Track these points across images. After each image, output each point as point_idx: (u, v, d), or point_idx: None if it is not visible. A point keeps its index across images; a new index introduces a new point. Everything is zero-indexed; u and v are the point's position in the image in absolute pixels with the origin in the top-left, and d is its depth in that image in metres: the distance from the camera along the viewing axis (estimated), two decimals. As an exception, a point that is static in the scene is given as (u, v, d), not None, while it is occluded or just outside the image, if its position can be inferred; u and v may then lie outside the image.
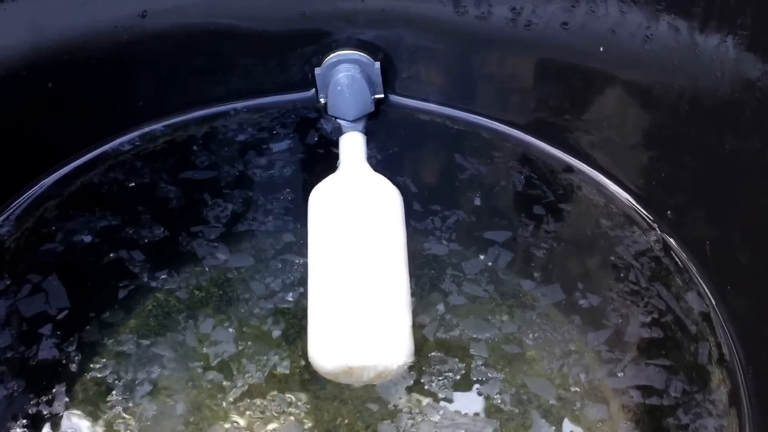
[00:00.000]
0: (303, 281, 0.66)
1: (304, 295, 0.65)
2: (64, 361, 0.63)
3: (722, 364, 0.65)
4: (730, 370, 0.64)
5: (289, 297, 0.68)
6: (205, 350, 0.64)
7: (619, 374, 0.63)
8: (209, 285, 0.69)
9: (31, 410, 0.60)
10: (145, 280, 0.69)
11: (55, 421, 0.60)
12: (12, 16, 0.70)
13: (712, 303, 0.68)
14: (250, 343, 0.65)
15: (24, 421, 0.60)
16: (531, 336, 0.66)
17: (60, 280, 0.69)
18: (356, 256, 0.63)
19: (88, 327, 0.65)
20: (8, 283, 0.68)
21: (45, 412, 0.60)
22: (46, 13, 0.71)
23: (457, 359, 0.64)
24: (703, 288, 0.69)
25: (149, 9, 0.75)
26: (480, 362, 0.64)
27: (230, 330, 0.66)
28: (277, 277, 0.69)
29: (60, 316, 0.66)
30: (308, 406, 0.61)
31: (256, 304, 0.67)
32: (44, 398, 0.61)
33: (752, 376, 0.63)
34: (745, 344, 0.65)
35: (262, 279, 0.69)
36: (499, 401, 0.62)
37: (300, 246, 0.71)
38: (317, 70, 0.80)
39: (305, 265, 0.66)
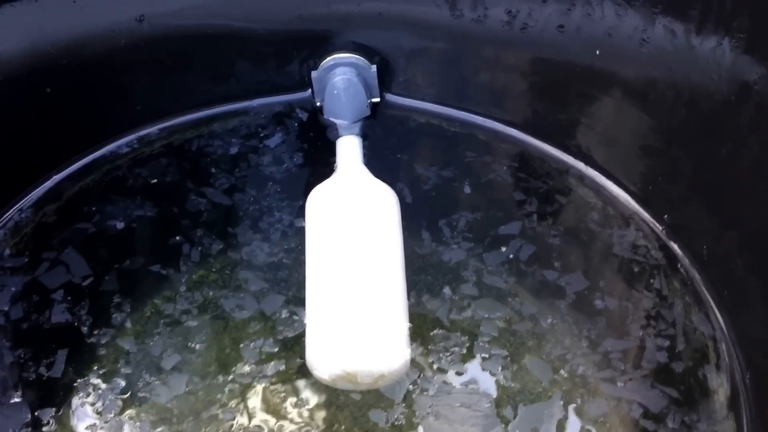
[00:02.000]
0: (301, 285, 0.66)
1: (301, 301, 0.65)
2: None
3: (720, 367, 0.65)
4: (729, 374, 0.64)
5: (288, 301, 0.68)
6: (199, 354, 0.65)
7: (614, 372, 0.64)
8: (206, 290, 0.69)
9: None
10: (147, 281, 0.70)
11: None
12: (10, 20, 0.70)
13: (711, 305, 0.68)
14: (246, 348, 0.65)
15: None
16: (531, 329, 0.67)
17: (62, 283, 0.69)
18: (353, 260, 0.63)
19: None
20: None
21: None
22: (44, 17, 0.71)
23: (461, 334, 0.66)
24: (703, 291, 0.69)
25: (146, 13, 0.75)
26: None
27: (226, 334, 0.66)
28: (275, 282, 0.70)
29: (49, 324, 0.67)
30: (304, 413, 0.61)
31: (253, 308, 0.68)
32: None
33: (751, 381, 0.63)
34: (744, 348, 0.65)
35: (260, 282, 0.70)
36: (501, 378, 0.63)
37: (298, 249, 0.71)
38: (314, 73, 0.80)
39: (303, 270, 0.66)
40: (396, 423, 0.61)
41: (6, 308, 0.67)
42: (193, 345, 0.65)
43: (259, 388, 0.63)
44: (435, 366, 0.64)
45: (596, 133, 0.77)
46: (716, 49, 0.63)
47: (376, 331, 0.60)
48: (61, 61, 0.74)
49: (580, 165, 0.79)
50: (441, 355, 0.65)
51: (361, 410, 0.62)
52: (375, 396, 0.62)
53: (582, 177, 0.78)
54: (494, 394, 0.63)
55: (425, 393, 0.63)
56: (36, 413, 0.62)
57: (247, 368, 0.64)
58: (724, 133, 0.65)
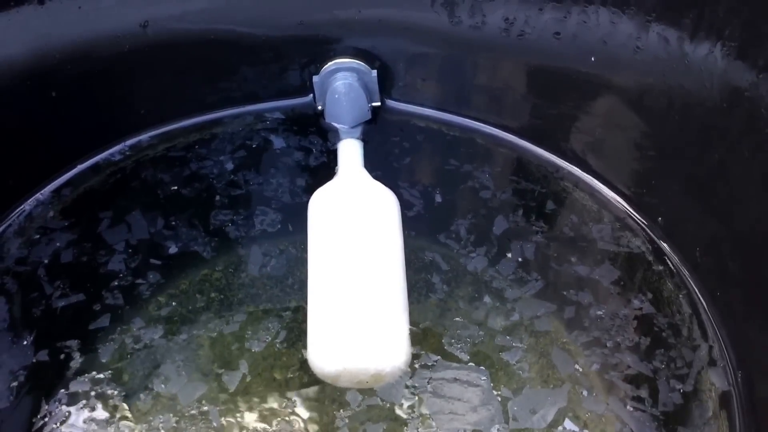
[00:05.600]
0: (304, 285, 0.67)
1: (304, 299, 0.66)
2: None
3: (713, 367, 0.65)
4: (721, 373, 0.65)
5: (290, 300, 0.69)
6: (204, 352, 0.65)
7: (611, 369, 0.65)
8: (210, 289, 0.70)
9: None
10: (150, 283, 0.70)
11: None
12: (16, 26, 0.71)
13: (704, 306, 0.69)
14: (249, 346, 0.66)
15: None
16: (527, 335, 0.67)
17: (69, 285, 0.70)
18: (354, 261, 0.64)
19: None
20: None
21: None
22: (50, 23, 0.72)
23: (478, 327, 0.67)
24: (696, 292, 0.70)
25: (150, 19, 0.76)
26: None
27: (230, 334, 0.66)
28: (277, 282, 0.70)
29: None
30: (308, 408, 0.62)
31: (257, 307, 0.68)
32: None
33: (743, 380, 0.64)
34: (736, 347, 0.66)
35: (263, 283, 0.70)
36: (512, 362, 0.65)
37: (300, 251, 0.72)
38: (315, 78, 0.81)
39: (305, 270, 0.67)
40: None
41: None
42: (193, 346, 0.66)
43: (259, 388, 0.63)
44: (446, 350, 0.65)
45: (591, 137, 0.78)
46: (708, 57, 0.63)
47: (377, 330, 0.61)
48: (66, 66, 0.74)
49: (575, 169, 0.80)
50: (453, 340, 0.66)
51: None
52: (377, 403, 0.63)
53: (577, 181, 0.79)
54: (497, 375, 0.64)
55: (427, 368, 0.64)
56: (38, 356, 0.64)
57: (248, 365, 0.65)
58: (717, 139, 0.66)
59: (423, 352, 0.65)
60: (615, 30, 0.69)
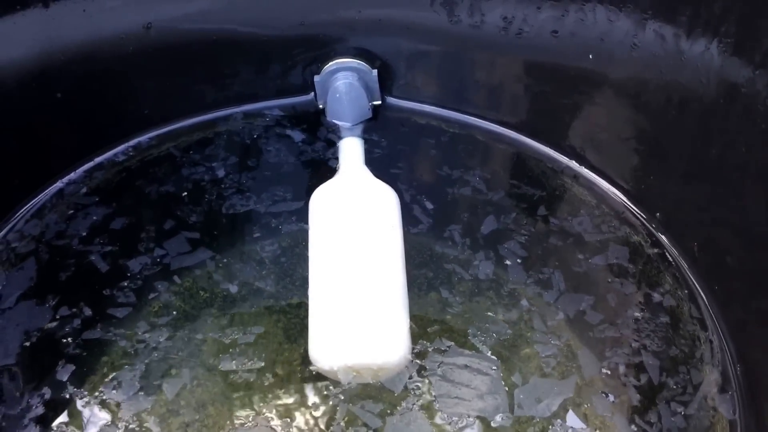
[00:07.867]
0: (305, 281, 0.67)
1: (306, 295, 0.66)
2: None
3: (712, 360, 0.66)
4: (720, 367, 0.65)
5: (292, 296, 0.69)
6: (206, 348, 0.66)
7: (612, 364, 0.65)
8: (213, 286, 0.70)
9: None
10: (152, 282, 0.70)
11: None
12: (22, 28, 0.71)
13: (704, 300, 0.69)
14: (252, 341, 0.66)
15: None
16: (528, 332, 0.67)
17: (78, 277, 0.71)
18: (355, 258, 0.65)
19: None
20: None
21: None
22: (55, 25, 0.73)
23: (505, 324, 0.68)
24: (695, 286, 0.70)
25: (153, 21, 0.76)
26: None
27: (233, 330, 0.67)
28: (280, 278, 0.71)
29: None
30: (309, 403, 0.62)
31: (260, 303, 0.69)
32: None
33: (741, 372, 0.64)
34: (735, 340, 0.66)
35: (265, 280, 0.71)
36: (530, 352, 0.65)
37: (302, 248, 0.72)
38: (316, 78, 0.82)
39: (307, 266, 0.68)
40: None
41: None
42: (196, 341, 0.66)
43: (261, 384, 0.64)
44: (461, 340, 0.66)
45: (590, 133, 0.78)
46: (705, 53, 0.64)
47: (377, 325, 0.61)
48: (71, 67, 0.75)
49: (574, 164, 0.80)
50: (481, 335, 0.67)
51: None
52: (379, 398, 0.63)
53: (576, 176, 0.80)
54: (505, 363, 0.64)
55: (439, 352, 0.65)
56: (58, 315, 0.65)
57: (250, 362, 0.65)
58: (714, 134, 0.66)
59: (438, 338, 0.65)
60: (612, 27, 0.70)
